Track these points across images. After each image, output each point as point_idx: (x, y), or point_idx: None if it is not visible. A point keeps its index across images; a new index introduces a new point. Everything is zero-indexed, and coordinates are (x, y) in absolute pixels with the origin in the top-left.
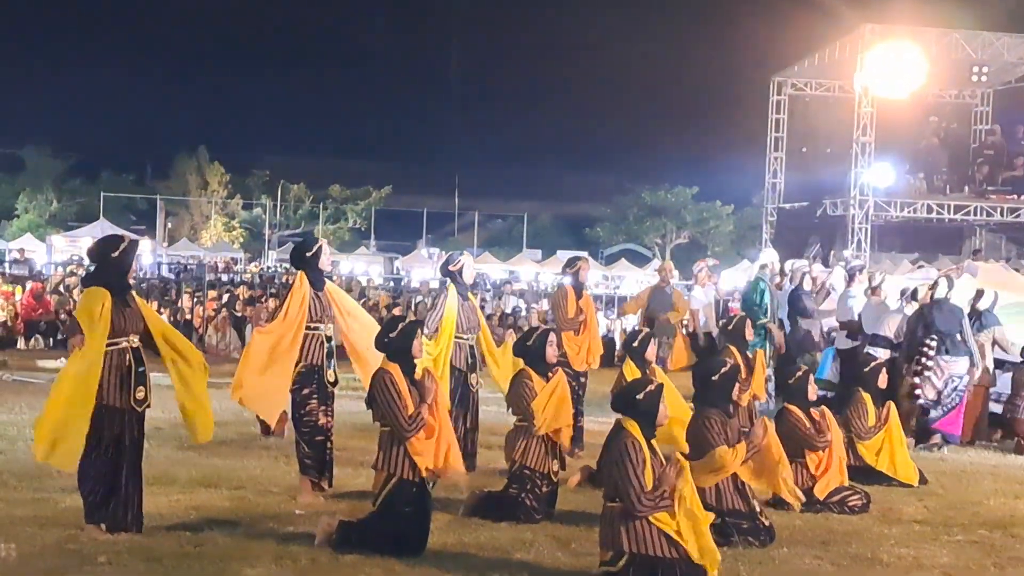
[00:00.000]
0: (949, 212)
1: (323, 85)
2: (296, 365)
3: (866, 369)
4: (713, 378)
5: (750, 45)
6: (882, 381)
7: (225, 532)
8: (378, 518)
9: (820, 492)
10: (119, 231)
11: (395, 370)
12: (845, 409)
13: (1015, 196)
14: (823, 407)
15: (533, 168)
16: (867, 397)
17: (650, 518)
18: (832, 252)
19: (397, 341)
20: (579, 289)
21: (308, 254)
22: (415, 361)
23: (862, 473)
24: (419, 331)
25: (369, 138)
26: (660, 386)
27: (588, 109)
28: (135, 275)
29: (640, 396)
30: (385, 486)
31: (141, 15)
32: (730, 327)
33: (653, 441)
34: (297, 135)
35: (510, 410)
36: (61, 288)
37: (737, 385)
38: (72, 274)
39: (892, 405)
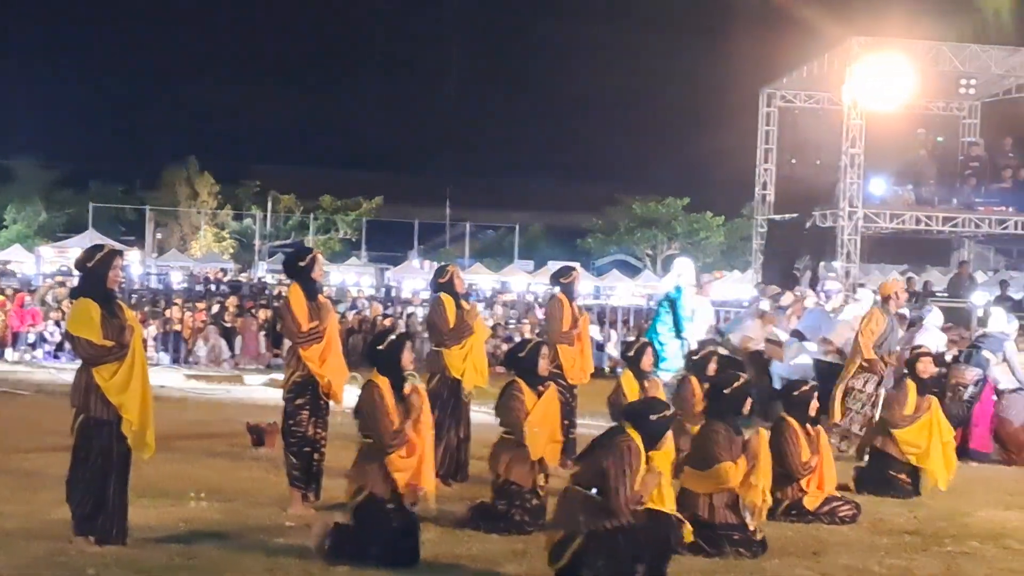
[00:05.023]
0: (938, 224)
1: (314, 95)
2: (291, 375)
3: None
4: (725, 391)
5: (739, 57)
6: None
7: (215, 544)
8: (362, 530)
9: (810, 504)
10: (108, 242)
11: (383, 383)
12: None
13: (1003, 208)
14: (819, 427)
15: (524, 179)
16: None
17: None
18: (822, 263)
19: (386, 354)
20: (572, 300)
21: (301, 264)
22: (405, 375)
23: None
24: (408, 345)
25: (360, 148)
26: (674, 415)
27: (579, 120)
28: (121, 285)
29: (653, 417)
30: (354, 498)
31: (130, 25)
32: (695, 357)
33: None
34: (287, 145)
35: (498, 421)
36: (49, 299)
37: (749, 402)
38: (61, 284)
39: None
